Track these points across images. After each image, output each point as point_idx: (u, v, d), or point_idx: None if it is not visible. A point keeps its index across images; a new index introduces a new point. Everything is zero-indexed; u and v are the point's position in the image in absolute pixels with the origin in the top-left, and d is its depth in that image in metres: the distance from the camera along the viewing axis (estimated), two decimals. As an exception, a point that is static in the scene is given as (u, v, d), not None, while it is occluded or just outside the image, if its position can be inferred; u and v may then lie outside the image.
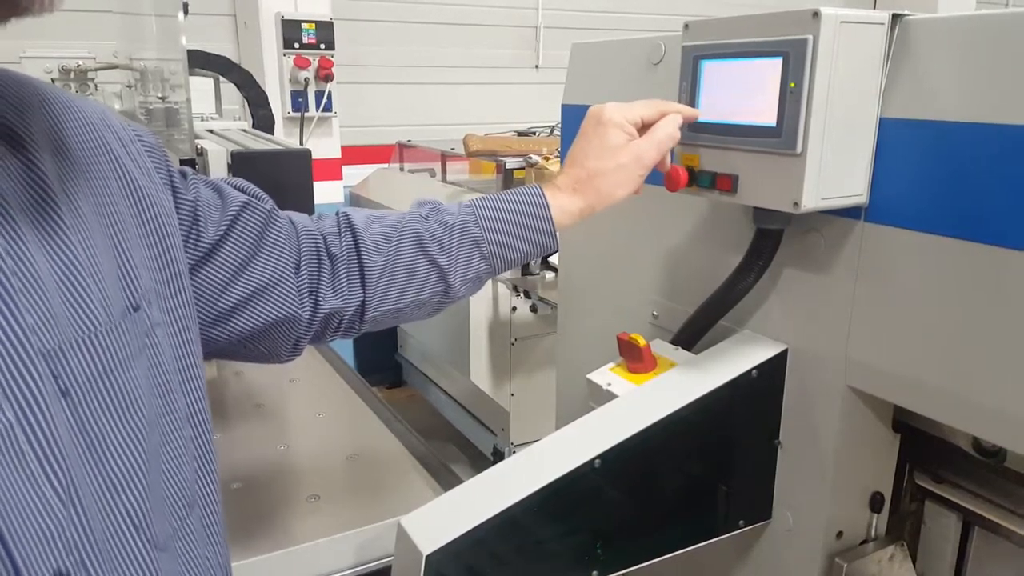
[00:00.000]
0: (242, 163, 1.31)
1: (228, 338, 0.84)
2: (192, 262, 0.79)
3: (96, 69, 2.21)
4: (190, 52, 1.45)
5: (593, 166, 0.92)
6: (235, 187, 0.87)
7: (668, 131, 0.91)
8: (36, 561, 0.51)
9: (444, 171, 3.75)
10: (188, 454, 0.70)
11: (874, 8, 0.83)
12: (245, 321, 0.84)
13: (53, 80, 2.25)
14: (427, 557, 0.78)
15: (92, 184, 0.65)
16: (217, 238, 0.81)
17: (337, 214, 0.94)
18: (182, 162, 1.32)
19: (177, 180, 0.78)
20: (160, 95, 1.61)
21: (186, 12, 1.29)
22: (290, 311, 0.86)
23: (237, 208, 0.83)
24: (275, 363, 0.93)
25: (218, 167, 1.34)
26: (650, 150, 0.91)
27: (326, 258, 0.90)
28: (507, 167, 3.18)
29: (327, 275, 0.90)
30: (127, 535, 0.60)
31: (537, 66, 4.72)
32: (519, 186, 1.01)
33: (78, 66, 2.17)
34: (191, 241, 0.79)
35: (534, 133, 3.81)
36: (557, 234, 0.93)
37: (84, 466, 0.57)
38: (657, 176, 0.94)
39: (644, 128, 0.93)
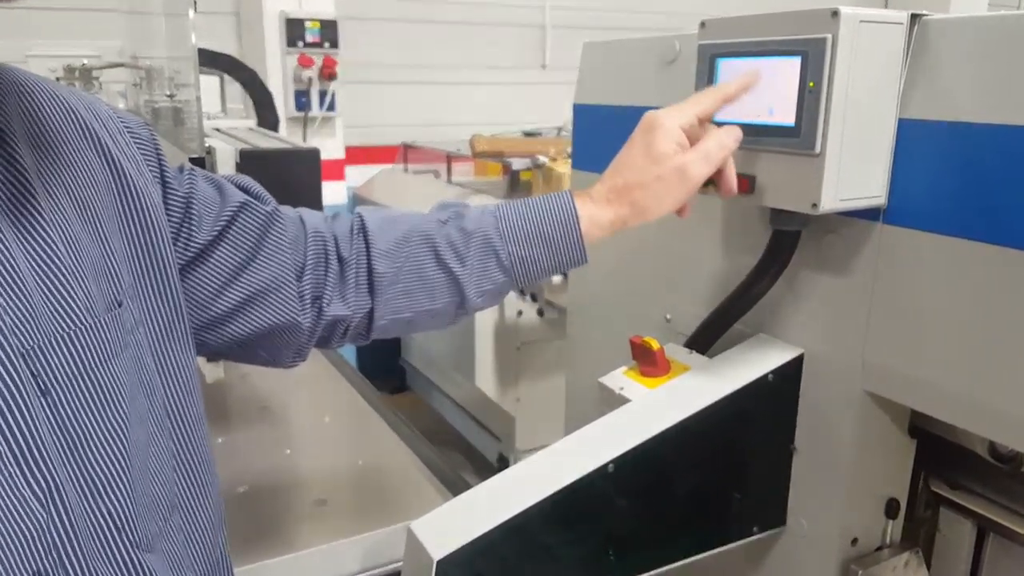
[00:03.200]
0: (251, 162, 1.30)
1: (222, 343, 0.80)
2: (183, 261, 0.75)
3: (101, 68, 2.21)
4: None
5: (632, 176, 0.84)
6: (238, 185, 0.83)
7: (720, 140, 0.83)
8: (15, 563, 0.51)
9: (449, 172, 3.74)
10: (170, 454, 0.69)
11: (886, 8, 0.83)
12: (240, 327, 0.80)
13: (58, 79, 2.26)
14: (438, 562, 0.77)
15: (74, 174, 0.63)
16: (211, 238, 0.77)
17: (353, 215, 0.89)
18: (192, 161, 1.31)
19: (169, 174, 0.75)
20: (168, 93, 1.60)
21: (195, 9, 1.29)
22: (288, 318, 0.81)
23: (235, 208, 0.79)
24: (277, 368, 0.89)
25: (226, 166, 1.33)
26: (697, 162, 0.82)
27: (335, 261, 0.85)
28: (513, 168, 3.18)
29: (334, 279, 0.85)
30: (109, 536, 0.59)
31: (544, 66, 4.71)
32: (543, 191, 0.96)
33: (83, 65, 2.16)
34: (182, 238, 0.75)
35: (540, 134, 3.80)
36: (586, 248, 0.86)
37: (66, 466, 0.56)
38: None
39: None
